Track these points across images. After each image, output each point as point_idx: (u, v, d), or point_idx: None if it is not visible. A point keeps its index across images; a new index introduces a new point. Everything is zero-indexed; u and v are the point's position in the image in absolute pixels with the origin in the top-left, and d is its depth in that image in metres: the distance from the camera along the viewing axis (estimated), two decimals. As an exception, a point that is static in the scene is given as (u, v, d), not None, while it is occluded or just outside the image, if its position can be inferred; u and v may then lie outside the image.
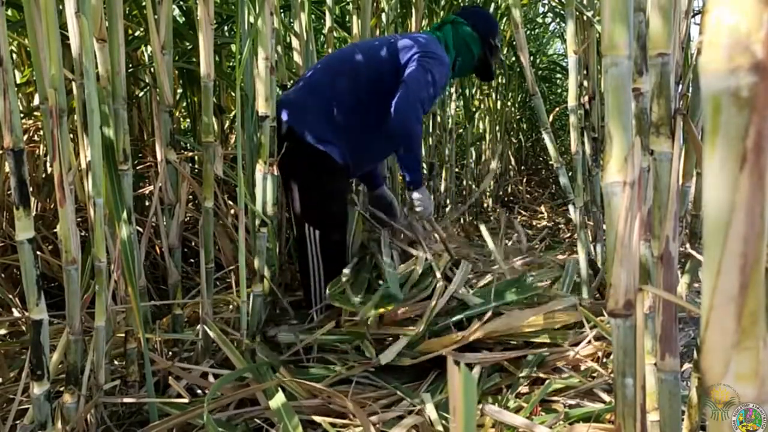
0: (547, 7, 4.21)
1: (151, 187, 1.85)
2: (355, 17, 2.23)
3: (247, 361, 1.35)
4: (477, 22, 1.90)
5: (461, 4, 3.11)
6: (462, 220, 3.38)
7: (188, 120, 2.46)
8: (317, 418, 1.20)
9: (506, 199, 4.42)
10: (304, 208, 1.71)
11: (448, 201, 3.32)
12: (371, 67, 1.74)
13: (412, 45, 1.73)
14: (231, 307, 1.77)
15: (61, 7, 1.12)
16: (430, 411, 1.18)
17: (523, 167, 5.14)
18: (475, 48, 1.91)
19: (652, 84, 0.68)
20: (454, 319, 1.49)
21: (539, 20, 4.72)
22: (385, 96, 1.69)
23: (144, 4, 1.61)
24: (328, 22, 2.28)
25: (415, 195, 1.79)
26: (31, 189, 1.66)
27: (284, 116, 1.69)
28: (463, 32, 1.89)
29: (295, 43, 2.14)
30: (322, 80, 1.75)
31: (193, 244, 2.15)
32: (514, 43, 2.31)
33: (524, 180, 4.77)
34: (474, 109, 3.79)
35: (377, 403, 1.27)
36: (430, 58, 1.71)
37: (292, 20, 2.29)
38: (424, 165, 3.01)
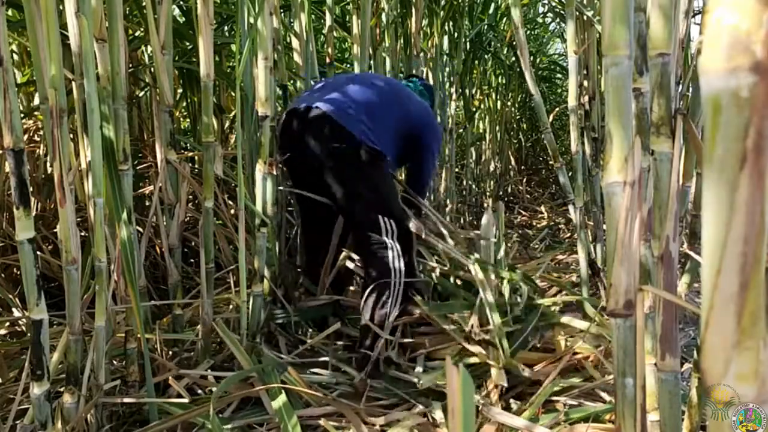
0: (547, 7, 4.22)
1: (151, 187, 1.85)
2: (355, 17, 2.23)
3: (254, 362, 1.35)
4: (432, 99, 2.14)
5: (461, 5, 3.11)
6: (462, 220, 3.38)
7: (188, 120, 2.46)
8: (319, 421, 1.20)
9: (506, 199, 4.42)
10: (370, 200, 1.65)
11: (448, 201, 3.31)
12: (402, 105, 1.81)
13: (426, 123, 1.91)
14: (231, 307, 1.77)
15: (61, 7, 1.12)
16: (437, 413, 1.17)
17: (523, 167, 5.14)
18: None
19: (653, 84, 0.68)
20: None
21: (539, 20, 4.72)
22: (402, 126, 1.80)
23: (144, 4, 1.61)
24: (328, 22, 2.28)
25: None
26: (31, 189, 1.66)
27: (326, 108, 1.62)
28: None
29: (295, 43, 2.14)
30: (362, 91, 1.73)
31: (193, 244, 2.15)
32: (514, 43, 2.31)
33: (524, 180, 4.77)
34: (474, 109, 3.79)
35: (388, 410, 1.27)
36: (434, 140, 1.92)
37: (292, 20, 2.29)
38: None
